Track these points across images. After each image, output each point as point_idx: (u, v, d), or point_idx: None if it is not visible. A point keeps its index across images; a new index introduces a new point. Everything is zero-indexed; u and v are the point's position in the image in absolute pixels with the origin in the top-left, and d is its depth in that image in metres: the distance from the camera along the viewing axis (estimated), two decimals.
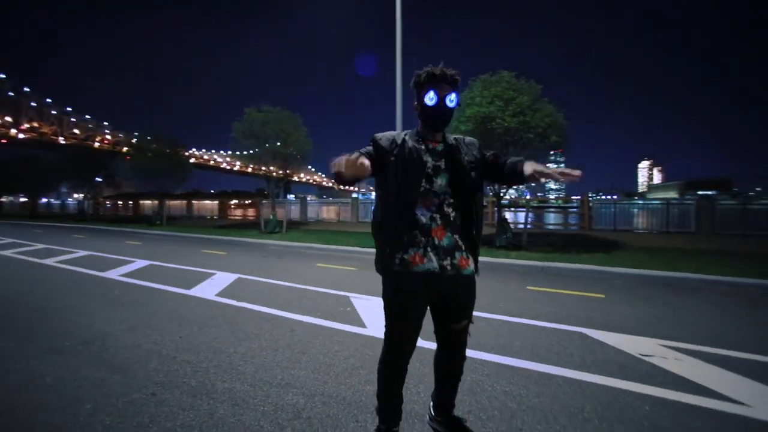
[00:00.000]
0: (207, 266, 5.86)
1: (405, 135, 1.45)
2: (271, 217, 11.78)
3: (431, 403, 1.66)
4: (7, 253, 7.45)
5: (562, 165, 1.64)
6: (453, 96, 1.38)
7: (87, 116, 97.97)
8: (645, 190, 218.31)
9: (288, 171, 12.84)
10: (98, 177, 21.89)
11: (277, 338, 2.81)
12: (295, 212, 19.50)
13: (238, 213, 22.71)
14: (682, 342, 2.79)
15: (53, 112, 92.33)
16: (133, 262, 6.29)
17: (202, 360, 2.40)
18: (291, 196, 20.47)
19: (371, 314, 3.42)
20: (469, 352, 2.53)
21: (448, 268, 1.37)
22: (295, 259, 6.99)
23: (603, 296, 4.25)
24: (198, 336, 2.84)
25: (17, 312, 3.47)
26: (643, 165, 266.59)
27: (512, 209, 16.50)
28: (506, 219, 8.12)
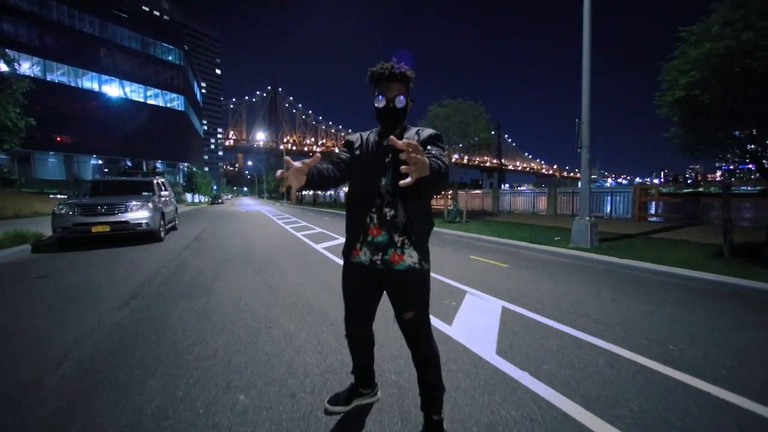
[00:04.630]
0: None
1: (371, 132, 1.55)
2: (453, 207, 12.29)
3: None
4: (287, 227, 11.87)
5: None
6: (401, 98, 1.39)
7: (349, 130, 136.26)
8: None
9: (502, 161, 12.90)
10: None
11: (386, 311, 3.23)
12: (487, 203, 19.21)
13: (434, 203, 24.80)
14: None
15: (332, 130, 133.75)
16: (338, 239, 8.51)
17: (310, 313, 3.18)
18: (506, 186, 20.45)
19: (470, 315, 3.20)
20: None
21: (378, 262, 1.44)
22: (453, 248, 7.15)
23: None
24: (326, 298, 3.70)
25: (250, 254, 5.66)
26: None
27: None
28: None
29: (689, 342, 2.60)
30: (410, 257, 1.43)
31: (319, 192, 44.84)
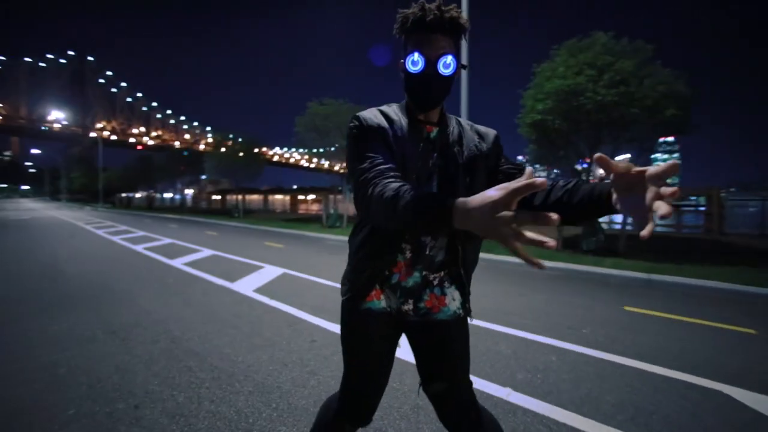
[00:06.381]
0: (261, 259, 5.90)
1: (392, 110, 0.93)
2: (332, 211, 11.87)
3: None
4: (114, 238, 8.72)
5: (676, 156, 0.87)
6: (449, 59, 0.83)
7: (195, 123, 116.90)
8: None
9: None
10: (203, 175, 25.30)
11: (292, 350, 2.41)
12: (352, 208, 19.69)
13: (308, 207, 23.86)
14: None
15: (172, 121, 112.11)
16: (201, 251, 6.70)
17: (204, 368, 2.11)
18: None
19: None
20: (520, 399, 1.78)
21: (410, 312, 0.95)
22: (344, 258, 6.71)
23: (754, 332, 2.94)
24: (215, 337, 2.60)
25: (91, 282, 3.74)
26: None
27: None
28: None
29: (593, 322, 3.01)
30: (453, 300, 0.96)
31: (156, 195, 36.07)
